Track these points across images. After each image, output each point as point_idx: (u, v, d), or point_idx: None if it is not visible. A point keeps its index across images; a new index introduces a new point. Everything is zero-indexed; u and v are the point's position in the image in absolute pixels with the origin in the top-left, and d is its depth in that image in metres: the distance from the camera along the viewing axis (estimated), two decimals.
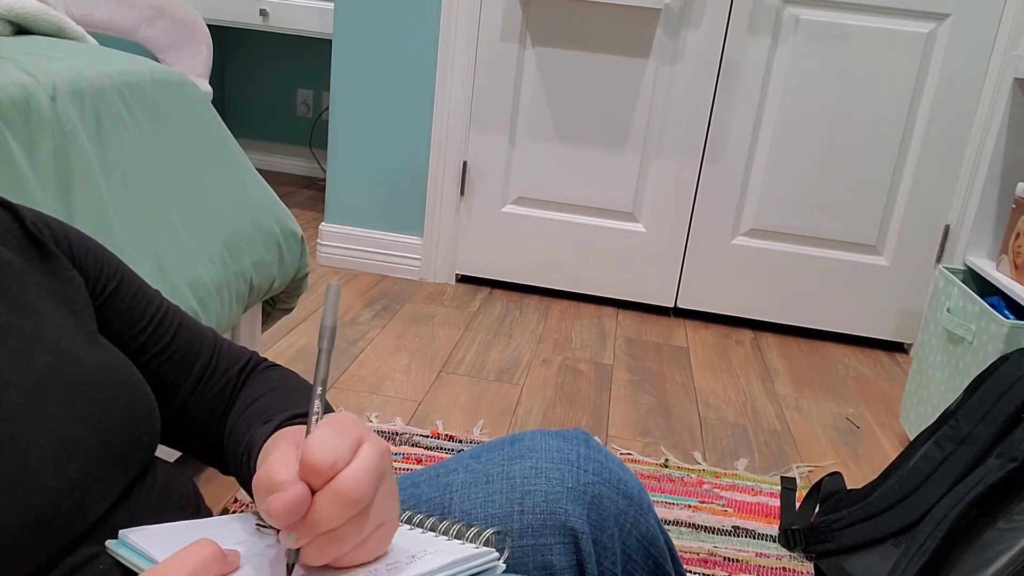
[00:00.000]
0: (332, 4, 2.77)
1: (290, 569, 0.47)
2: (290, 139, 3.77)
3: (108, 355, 0.56)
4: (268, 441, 0.57)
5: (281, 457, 0.46)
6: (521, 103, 2.38)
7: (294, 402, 0.64)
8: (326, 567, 0.48)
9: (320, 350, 0.49)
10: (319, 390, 0.49)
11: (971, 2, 2.13)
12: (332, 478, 0.44)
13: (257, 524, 0.56)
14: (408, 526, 0.58)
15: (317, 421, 0.48)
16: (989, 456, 1.19)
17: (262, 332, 1.60)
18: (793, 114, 2.27)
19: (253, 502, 0.66)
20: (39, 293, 0.55)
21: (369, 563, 0.50)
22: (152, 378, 0.64)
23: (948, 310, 1.65)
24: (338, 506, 0.44)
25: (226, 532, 0.53)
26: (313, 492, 0.44)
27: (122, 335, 0.63)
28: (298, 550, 0.46)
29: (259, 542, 0.52)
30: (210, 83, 2.33)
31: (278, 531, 0.49)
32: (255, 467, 0.57)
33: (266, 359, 0.71)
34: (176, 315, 0.68)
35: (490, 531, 0.54)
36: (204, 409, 0.66)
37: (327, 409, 0.53)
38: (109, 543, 0.50)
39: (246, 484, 0.61)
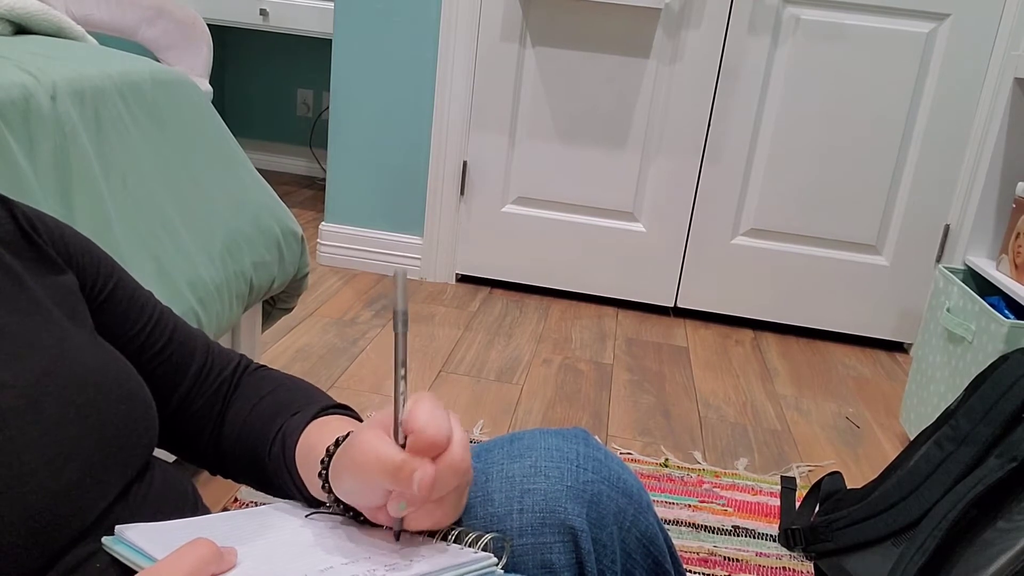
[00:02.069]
0: (332, 4, 2.77)
1: (398, 535, 0.53)
2: (290, 139, 3.77)
3: (106, 356, 0.56)
4: (311, 426, 0.60)
5: (378, 438, 0.51)
6: (521, 103, 2.38)
7: (311, 396, 0.67)
8: (332, 555, 0.51)
9: (396, 334, 0.52)
10: (402, 372, 0.52)
11: (971, 2, 2.13)
12: (444, 451, 0.50)
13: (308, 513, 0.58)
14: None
15: (404, 401, 0.52)
16: (989, 456, 1.19)
17: (262, 332, 1.60)
18: (793, 114, 2.27)
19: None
20: (35, 294, 0.55)
21: (369, 565, 0.50)
22: (149, 379, 0.64)
23: (948, 310, 1.65)
24: (454, 474, 0.50)
25: (223, 530, 0.53)
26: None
27: (120, 336, 0.63)
28: (401, 519, 0.51)
29: (257, 540, 0.52)
30: (210, 83, 2.33)
31: (349, 515, 0.55)
32: (292, 453, 0.60)
33: (252, 361, 0.72)
34: (171, 317, 0.68)
35: (488, 536, 0.54)
36: (201, 409, 0.67)
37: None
38: (106, 540, 0.50)
39: (271, 476, 0.63)
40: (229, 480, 0.74)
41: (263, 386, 0.68)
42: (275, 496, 0.65)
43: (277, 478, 0.63)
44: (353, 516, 0.56)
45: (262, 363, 0.72)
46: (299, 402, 0.65)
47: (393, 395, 0.52)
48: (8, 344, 0.50)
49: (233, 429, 0.66)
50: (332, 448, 0.56)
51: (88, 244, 0.64)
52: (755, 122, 2.29)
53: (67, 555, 0.48)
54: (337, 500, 0.56)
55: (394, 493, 0.50)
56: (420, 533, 0.56)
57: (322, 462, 0.56)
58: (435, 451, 0.49)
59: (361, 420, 0.64)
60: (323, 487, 0.56)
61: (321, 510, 0.58)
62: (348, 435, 0.56)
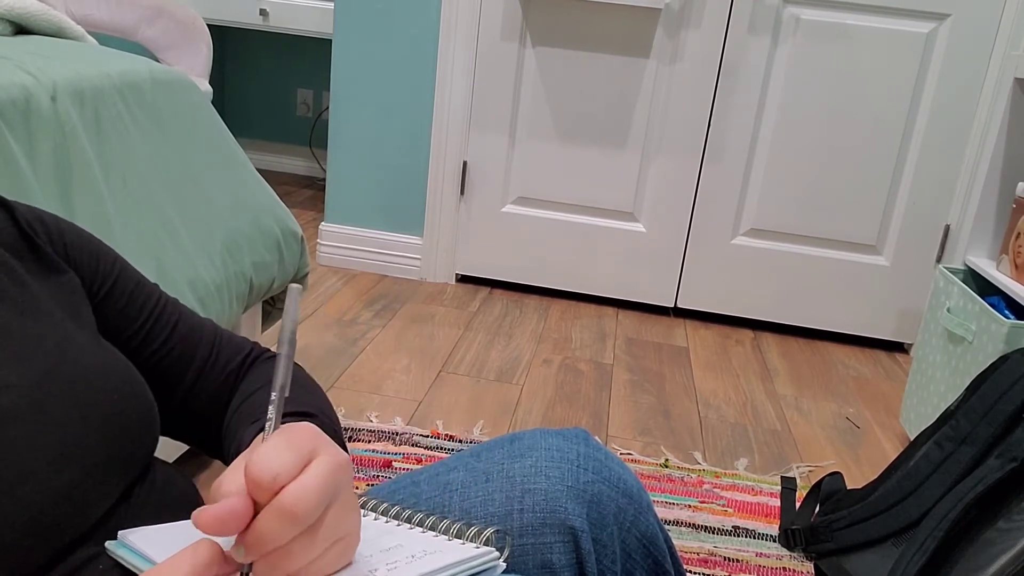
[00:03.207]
0: (332, 4, 2.77)
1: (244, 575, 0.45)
2: (290, 139, 3.77)
3: (107, 356, 0.56)
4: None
5: (234, 470, 0.44)
6: (521, 103, 2.38)
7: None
8: None
9: (279, 355, 0.46)
10: (273, 397, 0.46)
11: (971, 2, 2.13)
12: (277, 493, 0.42)
13: None
14: (408, 525, 0.58)
15: (271, 432, 0.45)
16: (989, 456, 1.19)
17: (262, 332, 1.60)
18: (793, 114, 2.27)
19: None
20: (37, 295, 0.55)
21: (370, 563, 0.50)
22: (152, 373, 0.64)
23: (948, 310, 1.65)
24: (281, 522, 0.42)
25: None
26: (260, 508, 0.42)
27: (120, 332, 0.63)
28: (250, 564, 0.43)
29: None
30: (210, 83, 2.33)
31: None
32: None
33: (268, 349, 0.71)
34: (175, 309, 0.67)
35: (490, 530, 0.54)
36: (207, 402, 0.66)
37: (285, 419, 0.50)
38: (109, 544, 0.50)
39: None
40: None
41: (255, 382, 0.66)
42: None
43: None
44: None
45: (274, 351, 0.70)
46: (261, 408, 0.61)
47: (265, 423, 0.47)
48: (10, 345, 0.50)
49: (226, 425, 0.66)
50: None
51: (88, 240, 0.63)
52: (755, 122, 2.29)
53: (69, 556, 0.48)
54: None
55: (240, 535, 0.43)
56: (421, 529, 0.56)
57: None
58: (259, 491, 0.42)
59: (338, 429, 0.63)
60: None
61: None
62: None
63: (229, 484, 0.43)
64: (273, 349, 0.69)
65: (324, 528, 0.44)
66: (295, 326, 0.46)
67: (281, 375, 0.46)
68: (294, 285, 0.47)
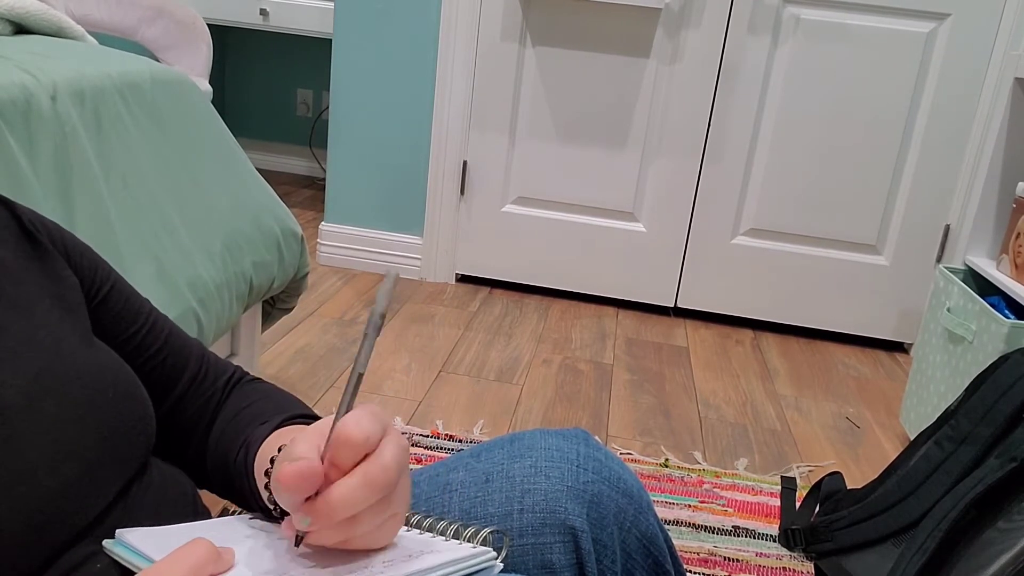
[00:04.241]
0: (332, 4, 2.77)
1: (299, 540, 0.47)
2: (290, 139, 3.77)
3: (103, 355, 0.56)
4: (273, 435, 0.57)
5: (304, 438, 0.46)
6: (521, 103, 2.38)
7: (287, 407, 0.65)
8: (328, 553, 0.48)
9: (364, 336, 0.48)
10: (355, 380, 0.48)
11: (971, 2, 2.13)
12: (361, 460, 0.45)
13: (264, 515, 0.56)
14: (405, 527, 0.57)
15: (348, 406, 0.48)
16: (989, 456, 1.19)
17: (262, 332, 1.60)
18: (793, 114, 2.27)
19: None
20: (35, 292, 0.55)
21: (366, 562, 0.49)
22: (144, 382, 0.64)
23: (948, 310, 1.65)
24: (365, 490, 0.44)
25: (222, 533, 0.53)
26: (337, 476, 0.44)
27: (116, 338, 0.63)
28: (303, 534, 0.46)
29: (255, 542, 0.52)
30: (210, 83, 2.33)
31: (282, 519, 0.49)
32: (252, 462, 0.57)
33: (247, 373, 0.71)
34: (166, 322, 0.68)
35: (488, 530, 0.54)
36: (190, 418, 0.66)
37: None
38: (106, 542, 0.50)
39: (234, 484, 0.62)
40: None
41: (249, 397, 0.67)
42: (246, 510, 0.63)
43: (239, 488, 0.61)
44: None
45: (257, 376, 0.72)
46: (270, 412, 0.63)
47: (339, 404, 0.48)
48: (8, 342, 0.50)
49: (214, 440, 0.65)
50: (276, 456, 0.54)
51: (86, 248, 0.64)
52: (755, 122, 2.29)
53: (67, 554, 0.48)
54: (277, 506, 0.53)
55: (304, 503, 0.45)
56: (418, 530, 0.56)
57: (266, 472, 0.54)
58: (350, 454, 0.45)
59: None
60: (269, 496, 0.54)
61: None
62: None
63: (304, 449, 0.45)
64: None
65: (392, 501, 0.47)
66: (384, 310, 0.47)
67: (363, 355, 0.47)
68: (393, 271, 0.48)
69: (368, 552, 0.51)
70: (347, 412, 0.47)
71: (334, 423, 0.46)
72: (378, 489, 0.44)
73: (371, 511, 0.45)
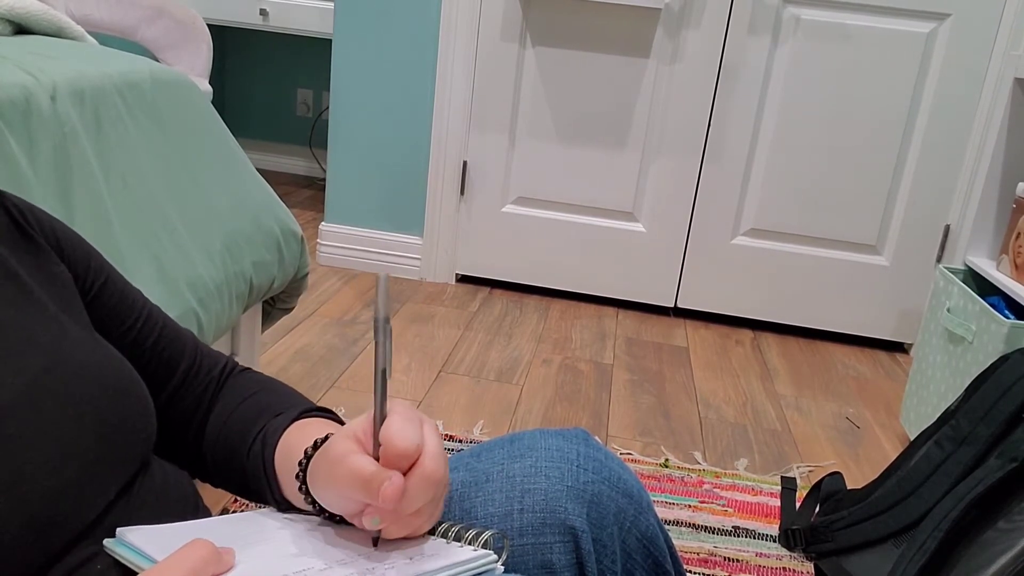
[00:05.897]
0: (332, 4, 2.77)
1: (375, 542, 0.52)
2: (290, 139, 3.77)
3: (102, 352, 0.56)
4: (293, 428, 0.60)
5: (352, 449, 0.50)
6: (521, 103, 2.38)
7: (294, 400, 0.66)
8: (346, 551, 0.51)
9: (376, 342, 0.51)
10: (380, 379, 0.51)
11: (971, 2, 2.13)
12: (415, 463, 0.49)
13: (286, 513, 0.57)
14: None
15: (380, 409, 0.51)
16: (989, 456, 1.19)
17: (262, 332, 1.60)
18: (793, 114, 2.27)
19: (248, 501, 0.65)
20: (31, 288, 0.55)
21: (371, 566, 0.50)
22: (141, 374, 0.64)
23: (948, 310, 1.65)
24: (426, 486, 0.49)
25: (224, 532, 0.53)
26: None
27: (112, 331, 0.63)
28: (379, 532, 0.51)
29: (255, 542, 0.52)
30: (210, 83, 2.33)
31: (317, 514, 0.54)
32: (272, 454, 0.60)
33: (238, 363, 0.72)
34: (160, 314, 0.68)
35: (488, 533, 0.54)
36: (186, 409, 0.67)
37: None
38: (107, 542, 0.50)
39: (245, 474, 0.62)
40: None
41: (247, 388, 0.68)
42: (250, 500, 0.64)
43: (254, 480, 0.62)
44: (340, 519, 0.55)
45: (249, 366, 0.72)
46: (282, 404, 0.65)
47: (373, 404, 0.52)
48: (6, 341, 0.50)
49: (214, 430, 0.66)
50: (310, 451, 0.56)
51: (78, 239, 0.63)
52: (755, 122, 2.29)
53: (68, 555, 0.48)
54: (314, 503, 0.55)
55: (368, 507, 0.50)
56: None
57: (300, 464, 0.56)
58: (406, 463, 0.49)
59: (343, 424, 0.64)
60: (300, 489, 0.55)
61: (304, 513, 0.58)
62: (327, 438, 0.56)
63: (370, 465, 0.49)
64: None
65: (444, 486, 0.52)
66: (387, 313, 0.50)
67: (381, 359, 0.51)
68: (384, 272, 0.51)
69: (369, 555, 0.51)
70: (382, 412, 0.51)
71: (375, 427, 0.50)
72: (435, 483, 0.50)
73: (432, 501, 0.51)
